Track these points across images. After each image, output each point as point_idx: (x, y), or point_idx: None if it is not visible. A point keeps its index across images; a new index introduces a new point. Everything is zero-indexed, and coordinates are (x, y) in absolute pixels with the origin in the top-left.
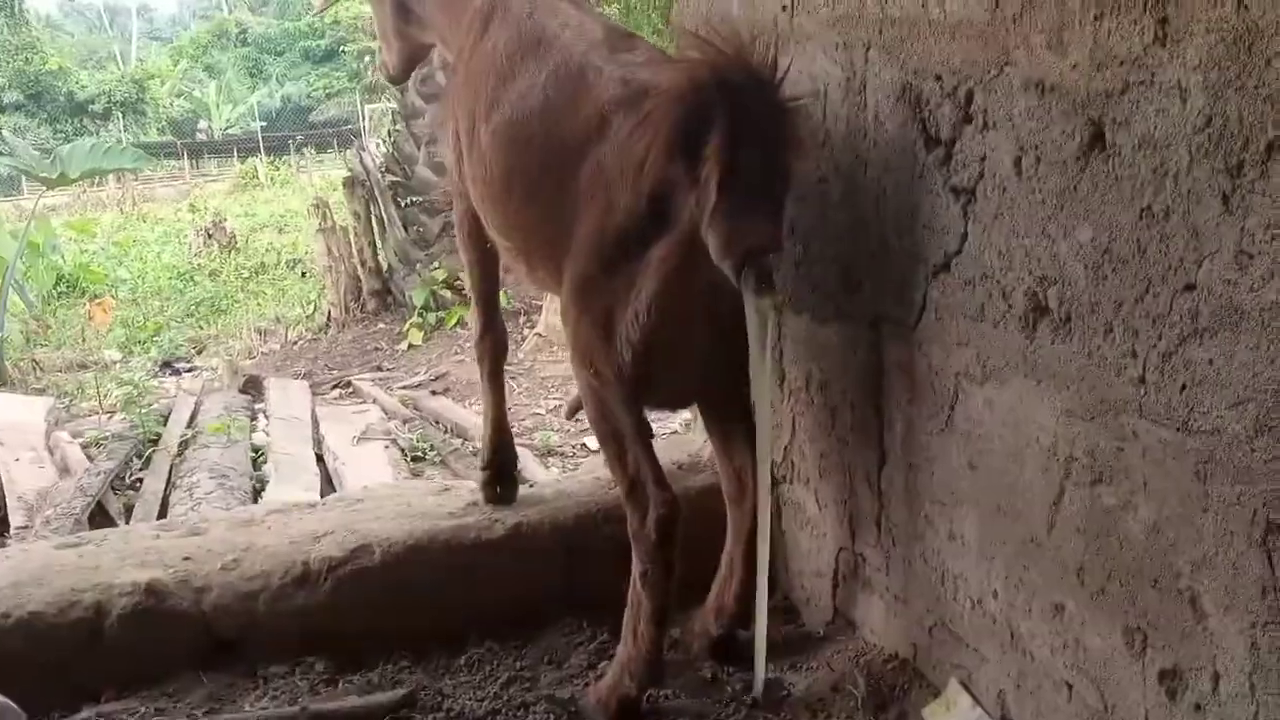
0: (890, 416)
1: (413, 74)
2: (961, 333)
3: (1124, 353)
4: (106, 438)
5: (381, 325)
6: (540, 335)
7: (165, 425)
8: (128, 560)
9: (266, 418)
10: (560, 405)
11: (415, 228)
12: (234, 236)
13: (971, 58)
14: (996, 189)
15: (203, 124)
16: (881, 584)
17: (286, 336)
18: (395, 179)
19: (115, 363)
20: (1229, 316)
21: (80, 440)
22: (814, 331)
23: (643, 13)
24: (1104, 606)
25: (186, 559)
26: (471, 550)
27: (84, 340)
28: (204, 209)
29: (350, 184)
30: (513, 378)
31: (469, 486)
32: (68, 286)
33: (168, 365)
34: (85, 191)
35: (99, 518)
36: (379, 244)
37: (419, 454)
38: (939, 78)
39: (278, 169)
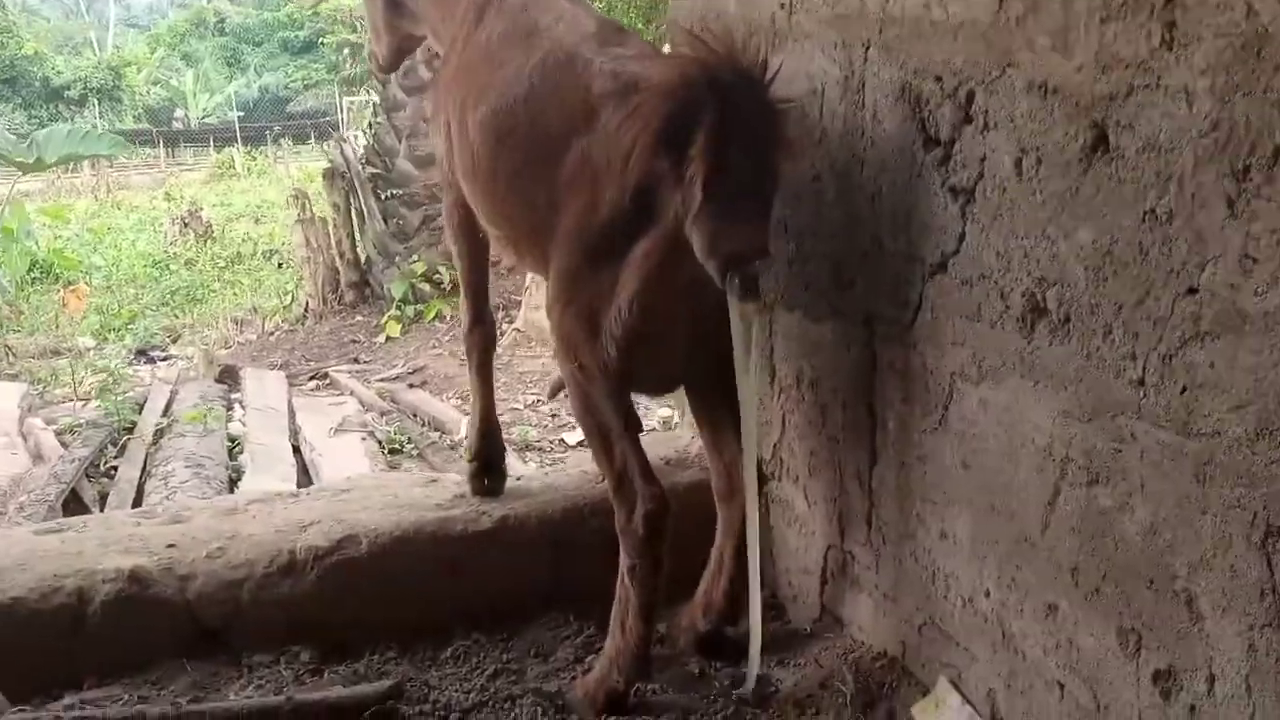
0: (882, 415)
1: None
2: (957, 332)
3: (1123, 355)
4: (81, 425)
5: (359, 317)
6: (519, 330)
7: (140, 413)
8: (111, 547)
9: (243, 408)
10: (539, 400)
11: (395, 220)
12: (210, 226)
13: (974, 58)
14: (996, 190)
15: (179, 113)
16: (871, 582)
17: (263, 327)
18: (376, 171)
19: (89, 350)
20: (1231, 320)
21: (54, 427)
22: (806, 329)
23: (622, 13)
24: (1098, 607)
25: (171, 546)
26: (458, 542)
27: (57, 327)
28: (180, 198)
29: (330, 175)
30: None
31: (456, 478)
32: (41, 272)
33: (142, 353)
34: (59, 178)
35: (73, 505)
36: (358, 236)
37: (396, 446)
38: (939, 78)
39: (254, 159)
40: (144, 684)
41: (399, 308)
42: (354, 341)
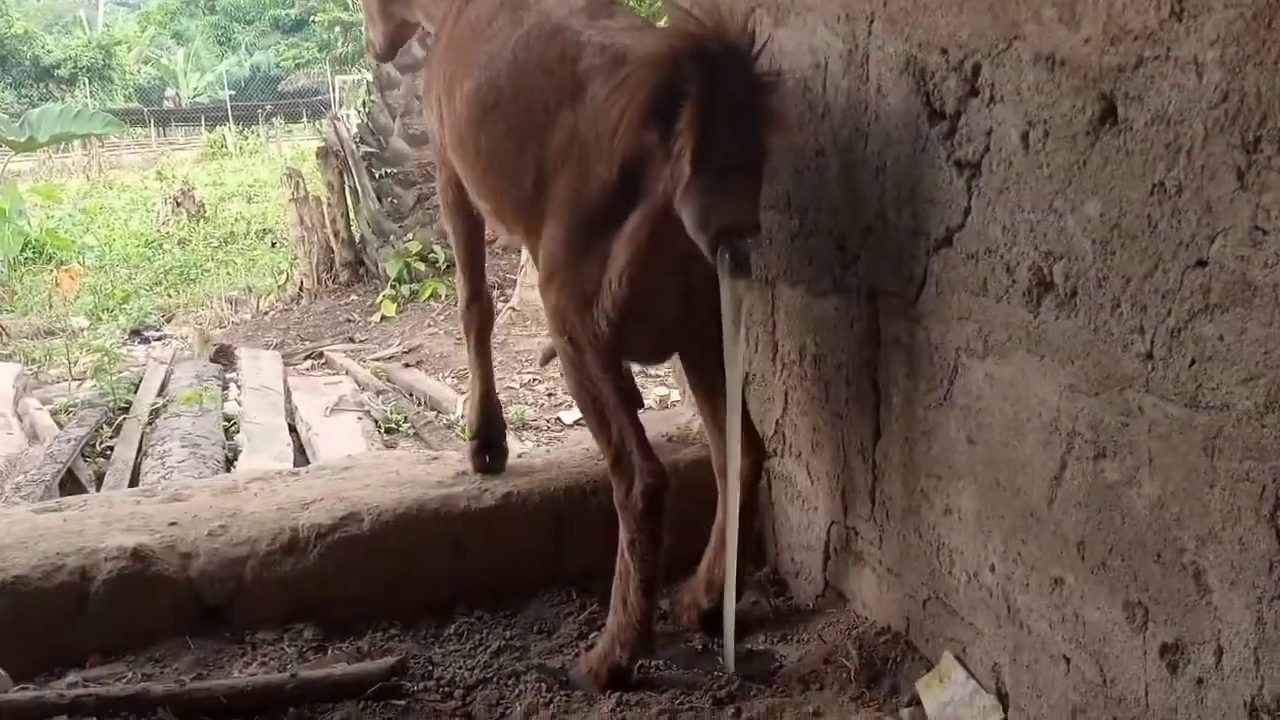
0: (886, 390)
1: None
2: (963, 307)
3: (1131, 328)
4: (76, 405)
5: (354, 297)
6: (514, 309)
7: (136, 393)
8: (113, 525)
9: (238, 387)
10: (535, 379)
11: (389, 199)
12: (203, 205)
13: (979, 30)
14: (1002, 163)
15: (170, 92)
16: (874, 557)
17: (257, 306)
18: (370, 150)
19: (83, 330)
20: (1241, 293)
21: (49, 407)
22: (809, 304)
23: None
24: (1104, 580)
25: (172, 524)
26: (461, 519)
27: (51, 307)
28: (172, 177)
29: (324, 154)
30: None
31: (457, 456)
32: (34, 252)
33: (137, 333)
34: (50, 157)
35: (69, 485)
36: (352, 215)
37: (392, 425)
38: (945, 51)
39: (246, 138)
40: (147, 662)
41: (394, 287)
42: (349, 321)
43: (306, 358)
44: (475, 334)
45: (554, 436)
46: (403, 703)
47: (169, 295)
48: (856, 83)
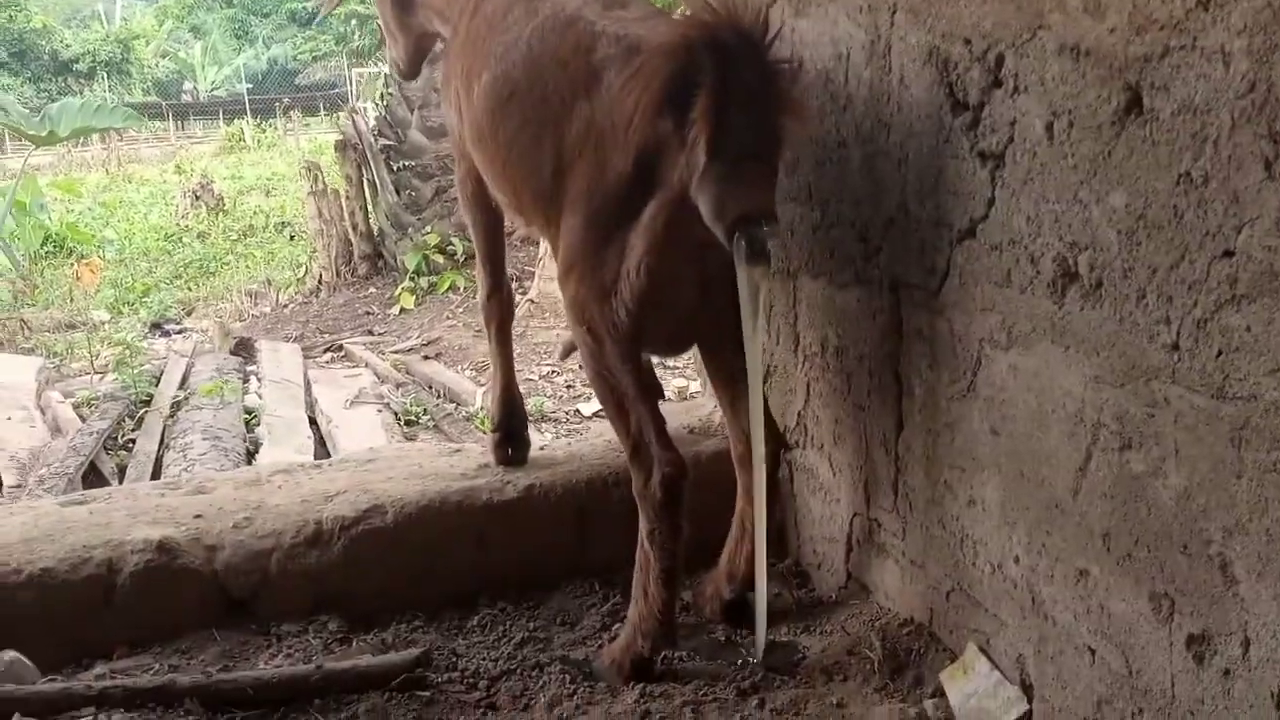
0: (909, 382)
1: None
2: (986, 298)
3: (1157, 319)
4: (98, 398)
5: (373, 289)
6: (533, 302)
7: (157, 386)
8: (139, 518)
9: (259, 380)
10: (554, 371)
11: (408, 192)
12: (221, 199)
13: (1003, 21)
14: (1026, 154)
15: (188, 85)
16: (897, 549)
17: (277, 299)
18: (388, 143)
19: (104, 323)
20: (1269, 283)
21: (72, 400)
22: (831, 296)
23: None
24: (1130, 572)
25: (198, 517)
26: (484, 511)
27: (71, 300)
28: (190, 171)
29: (342, 147)
30: None
31: (479, 448)
32: (54, 246)
33: (157, 326)
34: (70, 151)
35: (92, 477)
36: (371, 208)
37: (412, 418)
38: (968, 41)
39: (264, 132)
40: (174, 653)
41: (412, 279)
42: (368, 313)
43: (326, 350)
44: (496, 326)
45: (573, 428)
46: (427, 694)
47: (189, 288)
48: (879, 73)
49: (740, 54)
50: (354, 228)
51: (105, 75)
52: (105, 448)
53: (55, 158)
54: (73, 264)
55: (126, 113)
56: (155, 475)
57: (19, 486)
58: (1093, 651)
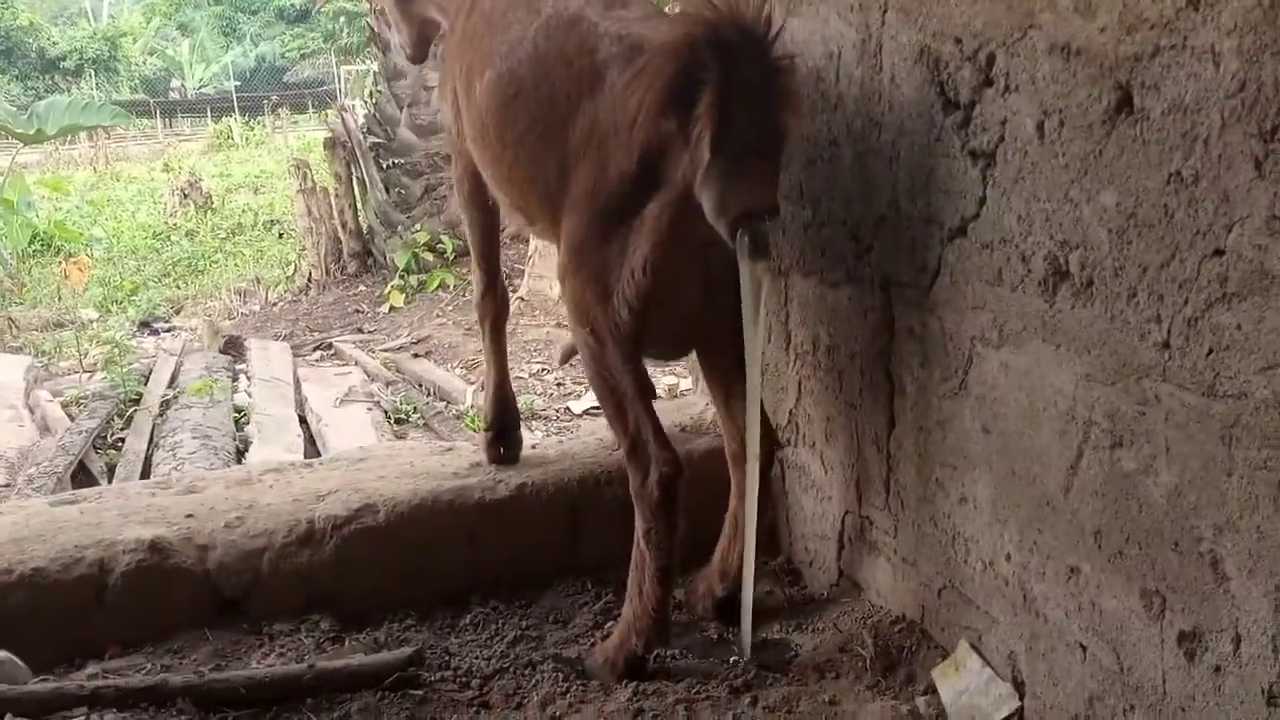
0: (900, 380)
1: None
2: (977, 296)
3: (1148, 318)
4: (87, 397)
5: (362, 287)
6: (523, 299)
7: (146, 385)
8: (130, 517)
9: (248, 379)
10: (544, 369)
11: (397, 190)
12: (210, 197)
13: (994, 20)
14: (1017, 153)
15: (175, 83)
16: (889, 547)
17: (266, 297)
18: (377, 140)
19: (92, 322)
20: (1259, 282)
21: (60, 399)
22: (822, 294)
23: None
24: (1121, 569)
25: (189, 516)
26: (476, 510)
27: (60, 299)
28: (178, 169)
29: (331, 145)
30: None
31: (471, 447)
32: (42, 245)
33: (146, 325)
34: (57, 149)
35: (81, 476)
36: (360, 206)
37: (402, 416)
38: (959, 40)
39: (252, 129)
40: (166, 653)
41: (402, 277)
42: (357, 311)
43: (315, 349)
44: (490, 324)
45: (563, 426)
46: (420, 693)
47: (177, 287)
48: (870, 72)
49: (743, 51)
50: (343, 225)
51: (92, 73)
52: (94, 447)
53: (42, 156)
54: (61, 262)
55: (114, 110)
56: (145, 474)
57: (8, 486)
58: (1084, 648)
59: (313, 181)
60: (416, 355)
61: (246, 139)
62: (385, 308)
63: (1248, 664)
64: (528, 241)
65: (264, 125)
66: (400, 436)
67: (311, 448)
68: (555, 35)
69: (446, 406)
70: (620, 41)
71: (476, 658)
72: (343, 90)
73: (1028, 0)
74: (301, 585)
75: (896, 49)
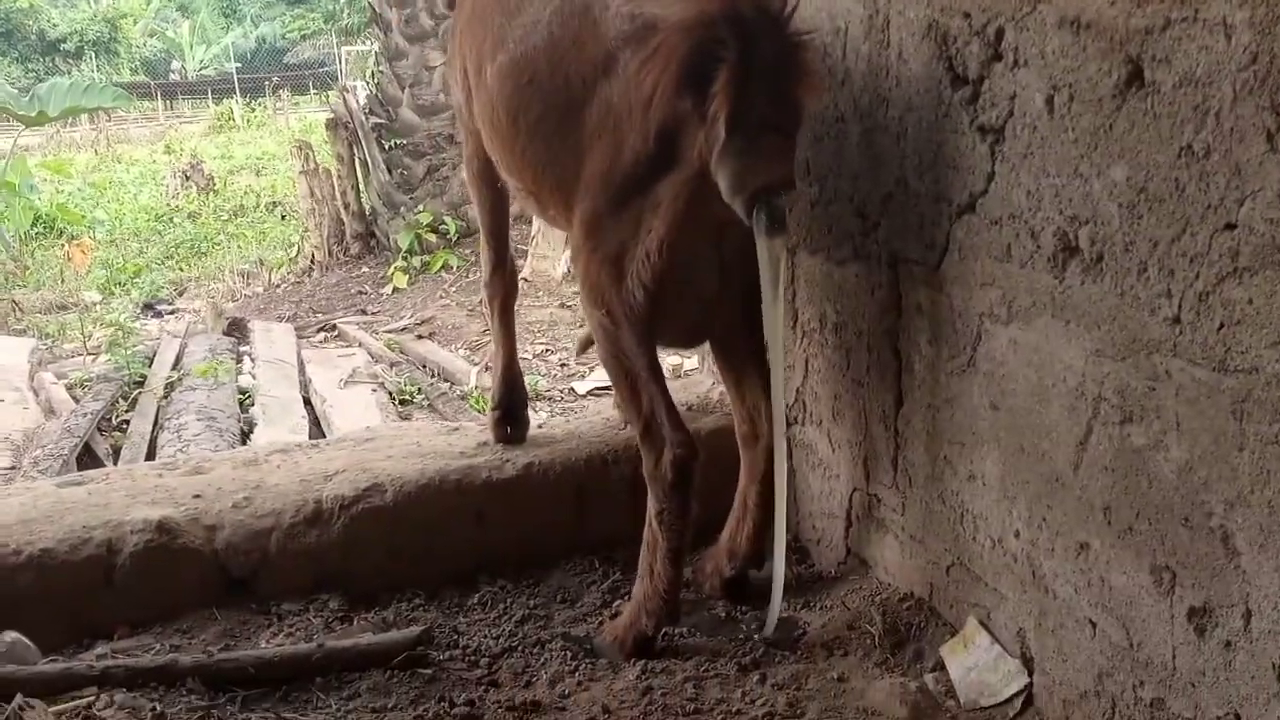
0: (908, 357)
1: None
2: (986, 273)
3: (1158, 292)
4: (91, 379)
5: (365, 269)
6: (526, 280)
7: (150, 367)
8: (137, 498)
9: (252, 360)
10: (548, 350)
11: (399, 171)
12: (211, 178)
13: None
14: (1026, 128)
15: (176, 65)
16: (897, 524)
17: (269, 279)
18: (379, 121)
19: (96, 304)
20: (1271, 255)
21: (65, 381)
22: (829, 272)
23: None
24: (1131, 545)
25: (197, 497)
26: (483, 490)
27: (63, 281)
28: (180, 150)
29: (333, 126)
30: None
31: (478, 427)
32: (45, 227)
33: (149, 307)
34: (59, 132)
35: (86, 459)
36: (362, 187)
37: (406, 397)
38: (967, 15)
39: (254, 111)
40: (175, 633)
41: (405, 258)
42: (361, 293)
43: (319, 330)
44: (499, 303)
45: (568, 407)
46: (429, 671)
47: (180, 269)
48: (877, 48)
49: (759, 26)
50: (346, 207)
51: (93, 55)
52: (99, 429)
53: (43, 138)
54: (63, 245)
55: (116, 92)
56: (150, 456)
57: (13, 468)
58: (1093, 624)
59: (315, 163)
60: (420, 336)
61: (248, 120)
62: (388, 289)
63: (1258, 639)
64: (531, 222)
65: (265, 107)
66: (405, 417)
67: (316, 429)
68: (569, 20)
69: (450, 387)
70: (633, 21)
71: (485, 637)
72: (344, 71)
73: None
74: (310, 565)
75: (904, 24)
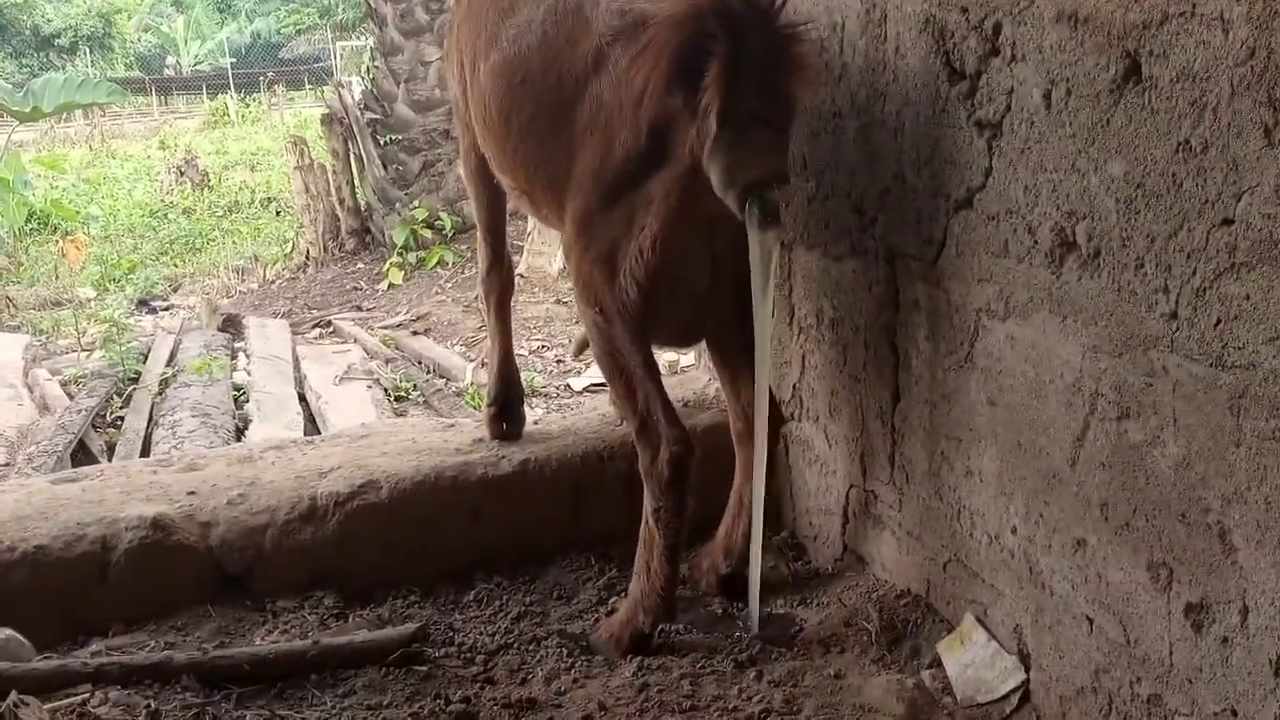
0: (905, 353)
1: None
2: (983, 268)
3: (1155, 288)
4: (86, 375)
5: (361, 264)
6: (522, 276)
7: (145, 363)
8: (132, 495)
9: (247, 357)
10: (544, 346)
11: (395, 166)
12: (206, 174)
13: None
14: (1024, 123)
15: (171, 60)
16: (894, 520)
17: (264, 275)
18: (374, 117)
19: (90, 300)
20: (1268, 251)
21: (59, 378)
22: (826, 267)
23: None
24: (1128, 541)
25: (191, 493)
26: (479, 486)
27: (57, 277)
28: (174, 146)
29: (328, 121)
30: None
31: (474, 423)
32: (39, 223)
33: (144, 303)
34: (53, 127)
35: (80, 455)
36: (357, 182)
37: (402, 394)
38: (965, 9)
39: (248, 106)
40: (169, 630)
41: (400, 254)
42: (356, 289)
43: (314, 326)
44: (496, 299)
45: (564, 403)
46: (425, 669)
47: (175, 265)
48: (874, 43)
49: (750, 20)
50: (341, 203)
51: (88, 50)
52: (94, 425)
53: (38, 134)
54: (57, 241)
55: (110, 88)
56: (144, 453)
57: (7, 465)
58: (1090, 621)
59: (310, 158)
60: (415, 332)
61: (243, 116)
62: (384, 285)
63: (1255, 635)
64: (526, 218)
65: (260, 102)
66: (400, 414)
67: (311, 426)
68: (562, 19)
69: (446, 384)
70: (624, 17)
71: (480, 633)
72: (339, 66)
73: None
74: (305, 562)
75: (901, 18)
